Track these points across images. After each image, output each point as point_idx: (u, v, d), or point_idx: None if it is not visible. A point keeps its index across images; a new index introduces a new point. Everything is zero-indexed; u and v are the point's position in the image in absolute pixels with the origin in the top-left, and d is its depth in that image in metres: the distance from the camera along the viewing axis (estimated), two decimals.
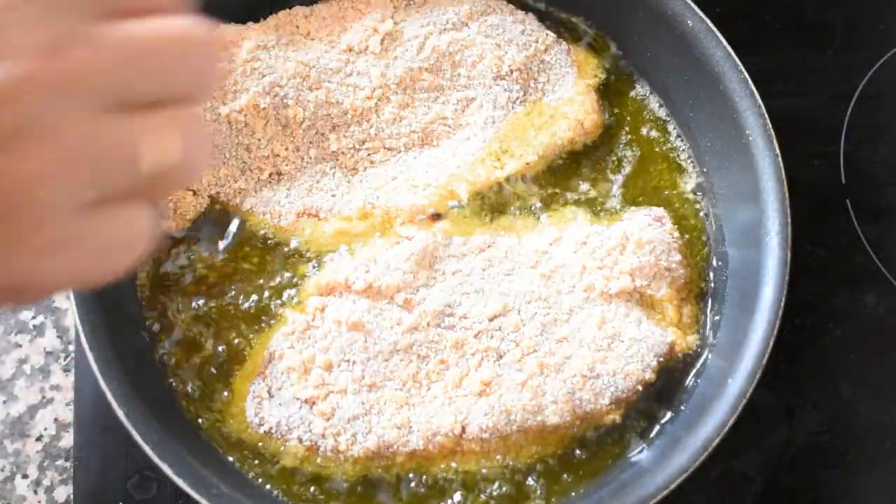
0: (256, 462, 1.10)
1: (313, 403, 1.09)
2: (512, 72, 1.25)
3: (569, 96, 1.26)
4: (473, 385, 1.10)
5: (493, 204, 1.22)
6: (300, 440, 1.08)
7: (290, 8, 1.29)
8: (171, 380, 1.13)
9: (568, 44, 1.30)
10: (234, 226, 1.20)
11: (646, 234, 1.17)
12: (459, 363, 1.11)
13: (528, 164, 1.22)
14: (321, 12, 1.29)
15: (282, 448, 1.09)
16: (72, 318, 1.27)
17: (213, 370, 1.13)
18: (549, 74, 1.27)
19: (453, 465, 1.10)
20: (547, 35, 1.29)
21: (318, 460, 1.09)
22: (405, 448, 1.08)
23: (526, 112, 1.25)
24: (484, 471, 1.10)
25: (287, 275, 1.18)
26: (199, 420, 1.12)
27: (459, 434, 1.08)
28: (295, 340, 1.12)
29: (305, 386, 1.09)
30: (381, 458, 1.08)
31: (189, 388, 1.13)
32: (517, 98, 1.25)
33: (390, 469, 1.09)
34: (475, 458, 1.10)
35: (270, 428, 1.08)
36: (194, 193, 1.20)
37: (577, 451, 1.12)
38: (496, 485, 1.10)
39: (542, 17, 1.32)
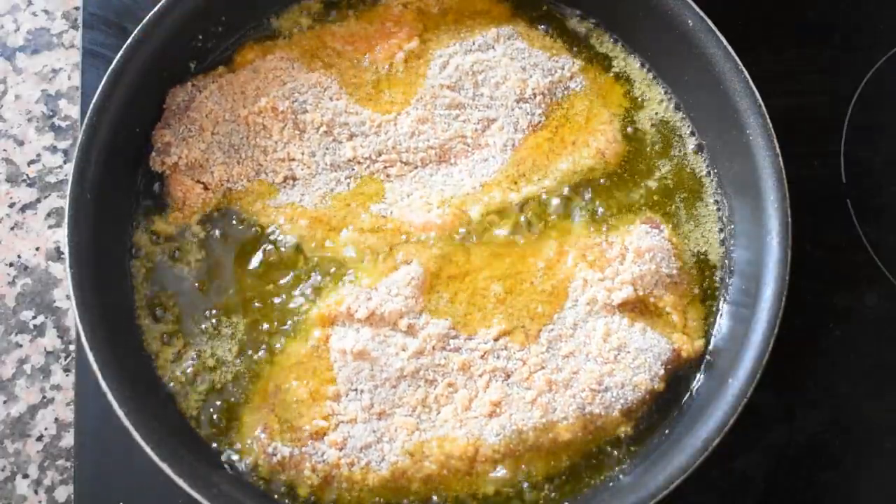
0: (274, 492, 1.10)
1: (324, 434, 1.09)
2: (535, 95, 1.25)
3: (592, 125, 1.25)
4: (483, 406, 1.10)
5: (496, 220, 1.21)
6: (314, 470, 1.08)
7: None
8: (182, 410, 1.13)
9: (596, 73, 1.29)
10: (242, 225, 1.20)
11: (644, 243, 1.17)
12: (468, 385, 1.11)
13: (544, 189, 1.22)
14: (349, 29, 1.29)
15: (296, 479, 1.08)
16: (72, 319, 1.27)
17: (220, 397, 1.13)
18: (574, 101, 1.26)
19: (468, 486, 1.09)
20: (574, 63, 1.28)
21: (334, 490, 1.09)
22: (419, 474, 1.08)
23: (547, 137, 1.24)
24: (495, 488, 1.10)
25: (292, 286, 1.17)
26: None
27: (473, 456, 1.08)
28: (301, 372, 1.12)
29: (315, 417, 1.10)
30: (397, 485, 1.08)
31: (198, 418, 1.12)
32: (539, 122, 1.25)
33: (406, 495, 1.09)
34: (490, 478, 1.09)
35: (283, 458, 1.08)
36: (205, 188, 1.20)
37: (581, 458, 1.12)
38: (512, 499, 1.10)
39: (565, 38, 1.31)
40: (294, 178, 1.21)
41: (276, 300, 1.16)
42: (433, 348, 1.12)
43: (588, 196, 1.23)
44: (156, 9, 1.17)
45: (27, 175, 1.35)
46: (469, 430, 1.09)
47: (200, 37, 1.25)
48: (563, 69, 1.27)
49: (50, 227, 1.33)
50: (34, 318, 1.28)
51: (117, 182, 1.17)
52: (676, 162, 1.26)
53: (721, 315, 1.18)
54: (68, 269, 1.05)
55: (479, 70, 1.26)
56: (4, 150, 1.36)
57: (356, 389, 1.11)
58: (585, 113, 1.26)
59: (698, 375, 1.16)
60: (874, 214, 1.33)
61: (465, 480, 1.09)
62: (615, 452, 1.12)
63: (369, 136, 1.23)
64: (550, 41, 1.30)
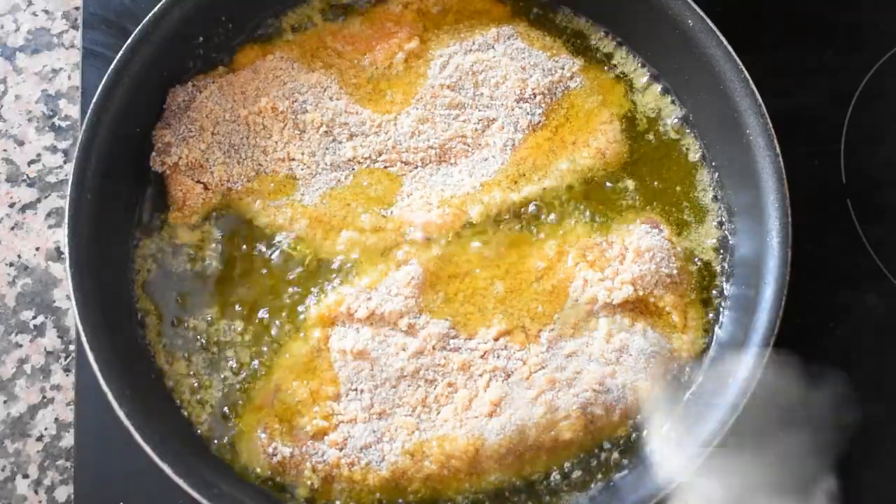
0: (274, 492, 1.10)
1: (324, 434, 1.09)
2: (535, 95, 1.25)
3: (592, 125, 1.25)
4: (483, 406, 1.10)
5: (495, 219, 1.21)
6: (314, 470, 1.08)
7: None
8: (182, 410, 1.13)
9: (596, 73, 1.29)
10: (242, 225, 1.20)
11: (644, 242, 1.17)
12: (468, 385, 1.11)
13: (544, 189, 1.22)
14: (349, 29, 1.29)
15: (296, 479, 1.09)
16: (72, 318, 1.27)
17: (220, 397, 1.13)
18: (574, 101, 1.26)
19: (469, 486, 1.10)
20: (573, 62, 1.28)
21: (334, 490, 1.09)
22: (420, 474, 1.08)
23: (547, 137, 1.24)
24: (496, 488, 1.10)
25: (292, 288, 1.17)
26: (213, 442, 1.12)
27: (473, 455, 1.08)
28: (301, 372, 1.12)
29: (315, 417, 1.10)
30: (397, 485, 1.08)
31: (199, 418, 1.13)
32: (539, 122, 1.24)
33: (406, 495, 1.09)
34: (490, 477, 1.10)
35: (283, 459, 1.08)
36: (205, 188, 1.20)
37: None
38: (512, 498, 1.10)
39: (565, 38, 1.31)
40: (294, 178, 1.21)
41: (276, 300, 1.17)
42: (433, 348, 1.12)
43: (588, 196, 1.22)
44: (156, 9, 1.17)
45: (27, 175, 1.35)
46: (469, 429, 1.09)
47: (200, 37, 1.25)
48: (562, 69, 1.27)
49: (50, 227, 1.33)
50: (34, 318, 1.28)
51: (117, 182, 1.17)
52: (676, 161, 1.26)
53: (721, 315, 1.18)
54: (68, 270, 1.05)
55: (479, 70, 1.26)
56: (4, 150, 1.36)
57: (356, 389, 1.11)
58: (585, 113, 1.26)
59: (698, 375, 1.16)
60: (874, 214, 1.33)
61: (466, 480, 1.09)
62: (615, 452, 1.12)
63: (369, 135, 1.23)
64: (550, 41, 1.30)
